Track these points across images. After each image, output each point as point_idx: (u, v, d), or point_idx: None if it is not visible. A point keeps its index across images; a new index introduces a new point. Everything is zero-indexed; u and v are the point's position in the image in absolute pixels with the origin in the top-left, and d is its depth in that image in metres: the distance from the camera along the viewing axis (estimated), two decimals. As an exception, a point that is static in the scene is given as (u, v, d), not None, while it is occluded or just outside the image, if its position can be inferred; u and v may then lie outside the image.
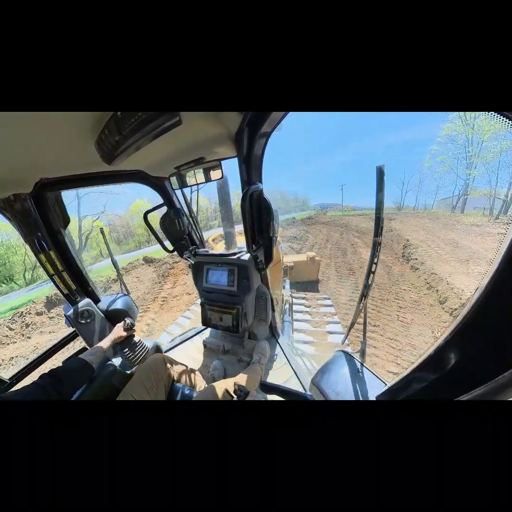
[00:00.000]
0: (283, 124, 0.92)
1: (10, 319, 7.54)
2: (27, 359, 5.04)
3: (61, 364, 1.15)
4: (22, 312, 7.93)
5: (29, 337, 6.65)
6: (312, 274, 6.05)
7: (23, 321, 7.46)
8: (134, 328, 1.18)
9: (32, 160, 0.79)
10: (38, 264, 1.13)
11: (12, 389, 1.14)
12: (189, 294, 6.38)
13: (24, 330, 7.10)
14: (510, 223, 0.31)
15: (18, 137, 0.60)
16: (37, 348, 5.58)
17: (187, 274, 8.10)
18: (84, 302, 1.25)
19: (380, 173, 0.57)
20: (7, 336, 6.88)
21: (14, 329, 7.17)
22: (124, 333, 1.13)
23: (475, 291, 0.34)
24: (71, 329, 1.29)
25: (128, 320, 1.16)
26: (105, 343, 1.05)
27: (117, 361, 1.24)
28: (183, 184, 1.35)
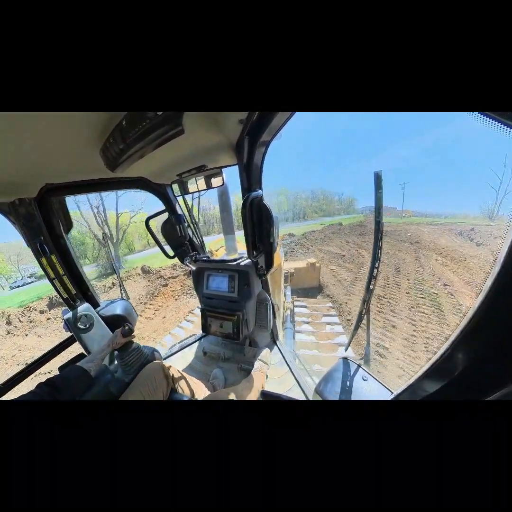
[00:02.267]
0: (281, 133, 0.95)
1: (21, 312, 7.81)
2: (6, 362, 4.88)
3: (57, 372, 1.13)
4: (31, 306, 8.11)
5: (26, 334, 6.66)
6: (313, 281, 6.11)
7: (29, 316, 7.60)
8: (133, 333, 1.17)
9: (38, 166, 0.81)
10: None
11: (5, 396, 1.12)
12: (156, 341, 4.44)
13: (27, 325, 7.22)
14: (510, 223, 0.31)
15: (25, 143, 0.62)
16: (20, 350, 5.48)
17: (176, 299, 6.75)
18: (84, 307, 1.25)
19: (378, 179, 0.59)
20: (16, 327, 7.11)
21: (22, 322, 7.36)
22: (123, 339, 1.12)
23: (478, 295, 0.33)
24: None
25: (127, 326, 1.15)
26: (103, 349, 1.03)
27: (115, 367, 1.22)
28: (184, 191, 1.38)
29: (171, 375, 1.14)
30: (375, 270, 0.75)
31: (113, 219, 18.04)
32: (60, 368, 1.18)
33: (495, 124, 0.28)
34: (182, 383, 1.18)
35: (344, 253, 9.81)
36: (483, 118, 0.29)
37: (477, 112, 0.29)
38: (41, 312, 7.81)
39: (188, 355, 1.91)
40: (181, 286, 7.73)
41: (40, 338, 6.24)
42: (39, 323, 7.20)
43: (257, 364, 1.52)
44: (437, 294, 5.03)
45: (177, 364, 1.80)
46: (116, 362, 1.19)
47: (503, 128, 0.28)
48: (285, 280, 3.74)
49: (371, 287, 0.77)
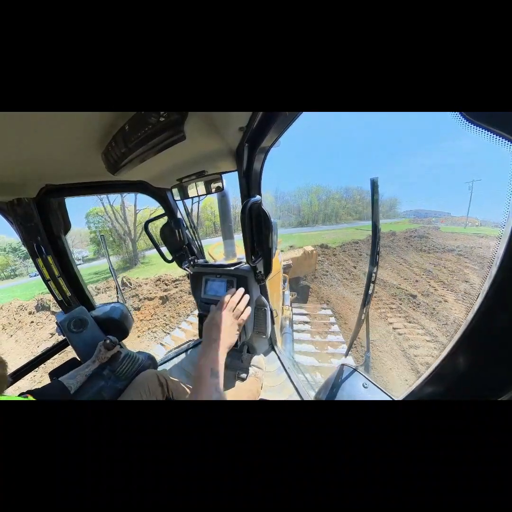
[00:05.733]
0: (280, 141, 0.97)
1: (16, 310, 7.62)
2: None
3: (48, 377, 1.10)
4: (23, 305, 7.93)
5: (11, 335, 6.48)
6: (310, 268, 6.02)
7: (20, 315, 7.46)
8: (117, 345, 1.11)
9: (39, 167, 0.82)
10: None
11: None
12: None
13: (16, 325, 7.02)
14: (506, 222, 0.30)
15: (27, 144, 0.63)
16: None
17: (139, 336, 5.57)
18: (78, 310, 1.23)
19: (374, 185, 0.60)
20: (9, 323, 6.97)
21: (15, 319, 7.20)
22: (108, 353, 1.07)
23: (477, 297, 0.34)
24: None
25: (108, 340, 1.08)
26: (88, 365, 1.01)
27: (108, 373, 1.19)
28: (184, 196, 1.39)
29: (166, 383, 1.11)
30: (374, 275, 0.75)
31: (130, 217, 19.20)
32: (51, 374, 1.15)
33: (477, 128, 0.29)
34: (177, 391, 1.15)
35: (412, 289, 5.57)
36: (467, 122, 0.29)
37: (459, 113, 0.29)
38: (30, 313, 7.53)
39: (185, 361, 1.87)
40: (152, 315, 6.33)
41: (15, 344, 5.97)
42: (24, 325, 6.92)
43: (251, 370, 1.50)
44: None
45: (173, 370, 1.76)
46: (107, 370, 1.14)
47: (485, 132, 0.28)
48: (283, 283, 3.70)
49: (370, 291, 0.77)
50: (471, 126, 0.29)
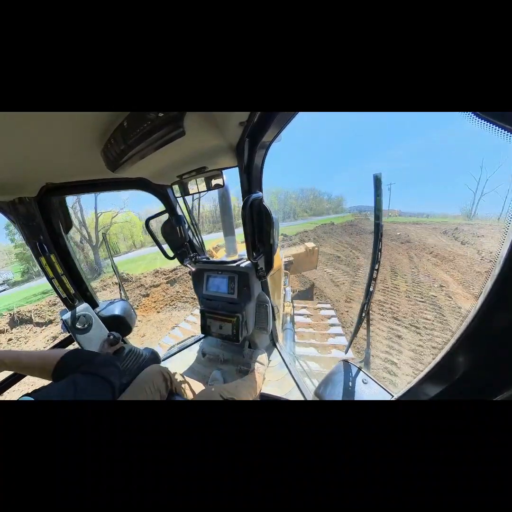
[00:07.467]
0: (282, 135, 0.95)
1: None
2: None
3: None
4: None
5: None
6: (312, 265, 6.29)
7: None
8: (120, 341, 1.14)
9: (39, 166, 0.81)
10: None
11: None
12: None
13: None
14: (510, 220, 0.30)
15: (26, 143, 0.62)
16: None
17: (158, 312, 6.40)
18: (82, 307, 1.24)
19: (377, 181, 0.59)
20: None
21: (7, 331, 6.62)
22: (112, 348, 1.09)
23: (479, 296, 0.33)
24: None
25: (112, 336, 1.12)
26: None
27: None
28: (185, 192, 1.38)
29: (170, 378, 1.13)
30: (375, 272, 0.74)
31: (90, 220, 15.97)
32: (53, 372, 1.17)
33: (490, 125, 0.28)
34: (181, 386, 1.16)
35: (339, 254, 10.08)
36: (480, 120, 0.29)
37: (472, 113, 0.29)
38: (1, 332, 6.62)
39: (187, 356, 1.90)
40: (164, 296, 7.28)
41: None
42: (-1, 345, 6.21)
43: (253, 365, 1.53)
44: (436, 296, 5.12)
45: (176, 365, 1.79)
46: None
47: (497, 129, 0.28)
48: (284, 268, 3.70)
49: (371, 289, 0.76)
50: (486, 124, 0.28)
